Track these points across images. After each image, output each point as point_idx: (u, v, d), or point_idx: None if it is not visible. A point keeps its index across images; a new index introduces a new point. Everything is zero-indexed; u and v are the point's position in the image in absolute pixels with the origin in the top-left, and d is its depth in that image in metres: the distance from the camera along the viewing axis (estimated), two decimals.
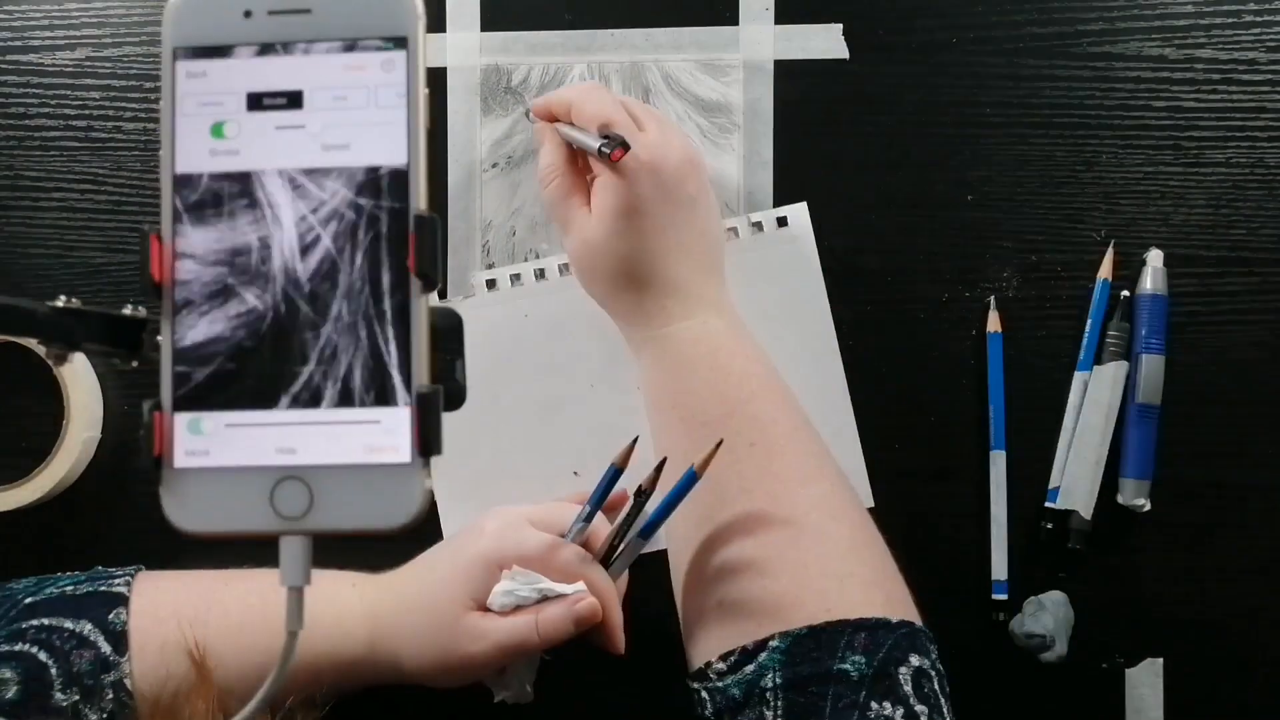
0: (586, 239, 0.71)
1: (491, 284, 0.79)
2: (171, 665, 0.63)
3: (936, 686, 0.59)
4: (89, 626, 0.64)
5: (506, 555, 0.66)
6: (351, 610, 0.69)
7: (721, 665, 0.60)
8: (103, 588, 0.67)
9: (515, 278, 0.79)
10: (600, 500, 0.68)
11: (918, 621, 0.61)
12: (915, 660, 0.58)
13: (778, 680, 0.58)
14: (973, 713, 0.77)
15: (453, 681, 0.68)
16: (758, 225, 0.78)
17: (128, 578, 0.68)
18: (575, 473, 0.78)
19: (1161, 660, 0.77)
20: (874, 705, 0.56)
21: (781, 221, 0.79)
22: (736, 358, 0.69)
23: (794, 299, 0.78)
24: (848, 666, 0.57)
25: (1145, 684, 0.76)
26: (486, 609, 0.66)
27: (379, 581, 0.71)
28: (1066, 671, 0.76)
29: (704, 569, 0.64)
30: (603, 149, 0.67)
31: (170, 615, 0.66)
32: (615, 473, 0.67)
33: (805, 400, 0.71)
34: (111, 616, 0.65)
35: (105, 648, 0.64)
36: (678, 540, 0.68)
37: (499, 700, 0.71)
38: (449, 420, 0.40)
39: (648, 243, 0.69)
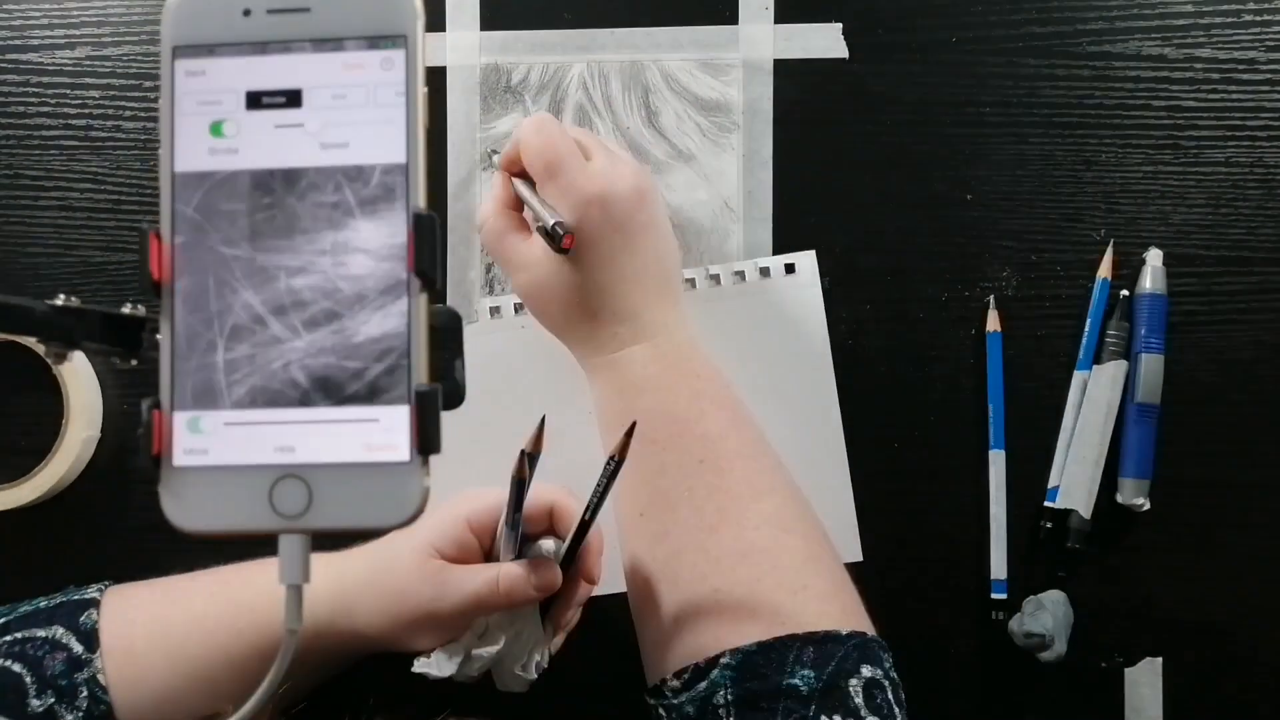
0: (534, 275, 0.70)
1: (495, 310, 0.79)
2: (142, 666, 0.64)
3: (890, 696, 0.59)
4: (60, 630, 0.65)
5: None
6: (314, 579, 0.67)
7: (676, 683, 0.60)
8: (74, 597, 0.68)
9: (519, 306, 0.79)
10: (518, 506, 0.65)
11: (870, 631, 0.61)
12: (867, 671, 0.58)
13: (729, 696, 0.58)
14: (972, 712, 0.77)
15: (417, 638, 0.67)
16: (765, 271, 0.79)
17: (100, 587, 0.69)
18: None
19: (1160, 659, 0.77)
20: (824, 719, 0.56)
21: (789, 268, 0.79)
22: (687, 378, 0.69)
23: (797, 346, 0.78)
24: (797, 681, 0.57)
25: (1144, 683, 0.77)
26: (452, 561, 0.66)
27: (335, 555, 0.70)
28: (1066, 671, 0.76)
29: (657, 586, 0.64)
30: (556, 229, 0.66)
31: (137, 615, 0.67)
32: (521, 483, 0.65)
33: (800, 445, 0.73)
34: (83, 618, 0.66)
35: (77, 647, 0.65)
36: (631, 557, 0.67)
37: (504, 690, 0.70)
38: (448, 424, 0.40)
39: (598, 273, 0.68)
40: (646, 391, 0.68)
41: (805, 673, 0.57)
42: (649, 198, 0.71)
